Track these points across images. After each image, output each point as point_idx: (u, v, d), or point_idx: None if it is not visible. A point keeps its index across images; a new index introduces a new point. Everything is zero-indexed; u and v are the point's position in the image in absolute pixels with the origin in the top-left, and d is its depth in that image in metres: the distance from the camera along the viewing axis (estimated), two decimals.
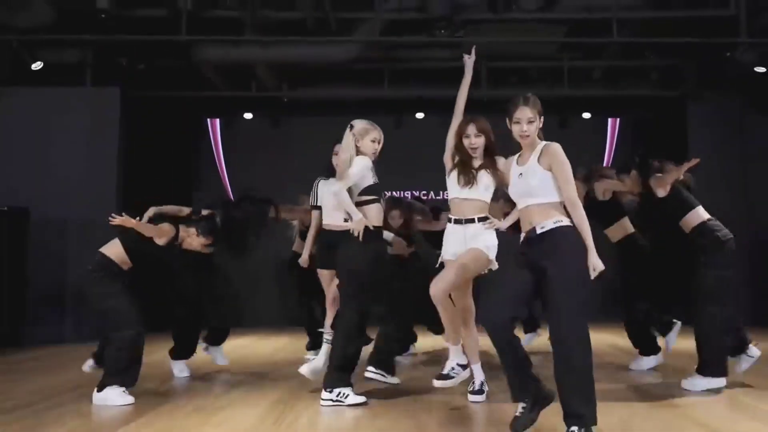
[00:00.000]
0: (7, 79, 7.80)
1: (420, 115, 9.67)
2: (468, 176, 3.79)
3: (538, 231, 3.16)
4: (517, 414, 3.11)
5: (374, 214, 4.00)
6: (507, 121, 3.32)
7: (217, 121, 10.33)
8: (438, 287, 3.69)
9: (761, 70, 7.76)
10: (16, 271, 7.07)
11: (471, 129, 3.80)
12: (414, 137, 9.41)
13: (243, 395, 4.27)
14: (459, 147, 3.87)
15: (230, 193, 9.93)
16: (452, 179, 3.87)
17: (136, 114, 8.34)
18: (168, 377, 5.01)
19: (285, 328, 8.08)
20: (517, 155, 3.42)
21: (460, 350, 3.95)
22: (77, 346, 6.93)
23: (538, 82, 9.35)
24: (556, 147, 3.23)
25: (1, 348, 6.61)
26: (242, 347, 6.75)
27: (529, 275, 3.15)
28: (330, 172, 4.55)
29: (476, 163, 3.83)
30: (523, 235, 3.27)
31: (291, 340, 7.24)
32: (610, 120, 10.63)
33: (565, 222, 3.13)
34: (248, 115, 9.85)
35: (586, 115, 10.10)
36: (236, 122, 10.16)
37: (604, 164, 10.49)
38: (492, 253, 3.75)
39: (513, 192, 3.37)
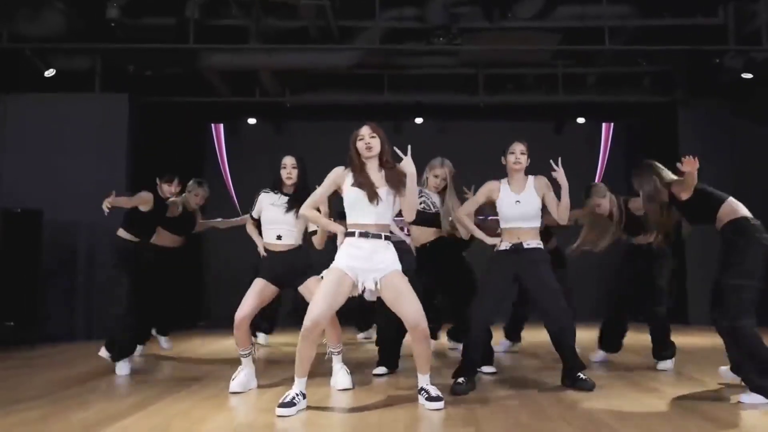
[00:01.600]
0: (21, 85, 8.06)
1: (419, 120, 9.89)
2: (373, 196, 3.62)
3: (525, 246, 4.18)
4: (459, 382, 4.04)
5: None
6: (502, 157, 4.27)
7: (221, 126, 10.56)
8: (425, 325, 3.56)
9: (748, 76, 8.00)
10: (30, 271, 7.28)
11: (365, 130, 3.73)
12: (413, 141, 9.61)
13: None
14: (355, 155, 3.73)
15: (233, 195, 10.18)
16: (352, 199, 3.67)
17: (143, 119, 8.55)
18: (182, 368, 5.27)
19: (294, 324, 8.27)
20: (505, 182, 4.29)
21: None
22: (88, 343, 7.16)
23: (534, 88, 9.56)
24: (545, 178, 4.25)
25: (15, 345, 6.83)
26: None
27: (507, 282, 4.20)
28: (276, 185, 4.40)
29: (374, 176, 3.70)
30: (508, 244, 4.20)
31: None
32: (604, 125, 10.84)
33: (541, 244, 4.26)
34: (252, 120, 10.07)
35: (581, 121, 10.32)
36: (240, 127, 10.39)
37: (599, 168, 10.74)
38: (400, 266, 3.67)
39: (508, 214, 4.23)
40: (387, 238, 3.68)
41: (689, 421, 3.20)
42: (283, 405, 3.47)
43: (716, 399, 3.75)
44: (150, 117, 8.70)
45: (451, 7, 7.57)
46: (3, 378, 4.86)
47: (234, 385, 4.18)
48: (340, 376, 4.31)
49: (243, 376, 4.26)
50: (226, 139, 10.56)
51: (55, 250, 7.63)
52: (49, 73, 7.70)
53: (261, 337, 6.84)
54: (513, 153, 4.24)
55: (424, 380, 3.66)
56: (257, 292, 4.28)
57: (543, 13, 7.73)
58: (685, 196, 3.93)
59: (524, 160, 4.24)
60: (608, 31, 7.60)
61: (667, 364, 4.93)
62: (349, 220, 3.70)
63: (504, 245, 4.24)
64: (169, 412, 3.56)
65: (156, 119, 8.87)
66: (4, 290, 7.05)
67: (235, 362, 5.39)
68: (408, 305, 3.56)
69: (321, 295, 3.56)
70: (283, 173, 4.35)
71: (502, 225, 4.30)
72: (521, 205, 4.21)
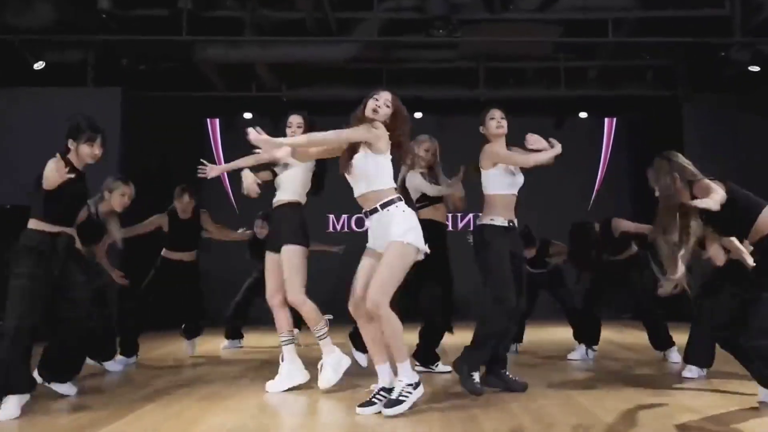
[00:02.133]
0: (10, 79, 7.88)
1: (418, 115, 9.73)
2: (345, 162, 3.44)
3: (515, 225, 3.95)
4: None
5: None
6: (481, 127, 4.00)
7: (217, 121, 10.40)
8: (375, 299, 3.27)
9: (755, 69, 7.84)
10: None
11: (384, 96, 3.51)
12: (411, 136, 9.47)
13: (248, 383, 4.35)
14: (360, 113, 3.51)
15: (230, 191, 10.01)
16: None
17: (137, 114, 8.40)
18: (175, 369, 5.10)
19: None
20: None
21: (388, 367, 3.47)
22: None
23: (535, 82, 9.41)
24: None
25: None
26: (247, 340, 6.84)
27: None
28: None
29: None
30: (504, 221, 3.90)
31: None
32: (606, 120, 10.71)
33: None
34: (248, 115, 9.91)
35: (583, 115, 10.18)
36: (236, 122, 10.22)
37: (601, 164, 10.59)
38: (411, 237, 3.34)
39: (509, 181, 3.94)
40: (384, 205, 3.39)
41: (698, 427, 3.06)
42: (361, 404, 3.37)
43: (729, 404, 3.58)
44: (144, 112, 8.54)
45: None
46: None
47: (273, 385, 3.99)
48: (325, 372, 4.00)
49: (285, 372, 4.04)
50: (222, 134, 10.39)
51: None
52: (39, 65, 7.52)
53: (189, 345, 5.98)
54: (494, 118, 3.97)
55: (384, 374, 3.43)
56: (271, 268, 4.14)
57: (545, 5, 7.57)
58: None
59: (505, 125, 3.98)
60: (611, 23, 7.44)
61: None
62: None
63: (500, 221, 3.92)
64: (162, 414, 3.42)
65: (150, 114, 8.72)
66: None
67: (228, 363, 5.27)
68: (373, 277, 3.33)
69: (358, 275, 3.48)
70: (288, 132, 4.18)
71: (499, 191, 3.95)
72: (517, 175, 4.01)
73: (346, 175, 3.50)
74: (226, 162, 10.07)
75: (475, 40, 7.94)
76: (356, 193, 3.50)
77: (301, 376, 4.08)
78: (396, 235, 3.33)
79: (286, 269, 4.00)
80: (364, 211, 3.50)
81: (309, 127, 4.14)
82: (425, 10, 7.42)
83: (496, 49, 8.48)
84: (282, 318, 4.12)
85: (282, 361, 4.09)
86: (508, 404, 3.55)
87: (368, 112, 3.47)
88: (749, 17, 7.46)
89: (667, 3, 7.64)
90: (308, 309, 4.02)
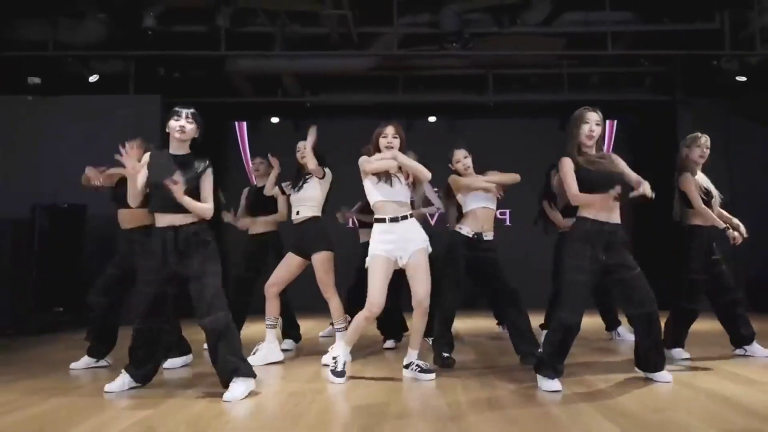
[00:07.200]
0: (62, 89, 8.60)
1: (432, 119, 10.32)
2: (389, 178, 3.99)
3: (485, 237, 4.50)
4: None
5: None
6: (450, 164, 4.68)
7: (244, 124, 11.06)
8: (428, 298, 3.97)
9: (742, 79, 8.45)
10: (75, 261, 7.82)
11: (390, 130, 4.03)
12: (425, 138, 10.10)
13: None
14: (374, 149, 4.06)
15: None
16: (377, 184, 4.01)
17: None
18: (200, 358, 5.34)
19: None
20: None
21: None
22: (127, 327, 7.50)
23: (540, 87, 10.02)
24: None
25: (62, 332, 7.34)
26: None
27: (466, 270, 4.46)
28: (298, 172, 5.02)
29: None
30: (471, 231, 4.47)
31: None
32: (607, 122, 11.23)
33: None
34: (274, 119, 10.54)
35: None
36: (262, 126, 10.86)
37: None
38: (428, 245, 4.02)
39: (479, 197, 4.57)
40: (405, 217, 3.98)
41: (724, 414, 3.07)
42: (336, 374, 3.98)
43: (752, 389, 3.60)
44: None
45: (464, 14, 8.02)
46: (54, 361, 5.14)
47: (253, 359, 4.48)
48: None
49: (263, 350, 4.75)
50: (249, 136, 11.03)
51: (96, 242, 8.16)
52: (93, 78, 8.22)
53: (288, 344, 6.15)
54: (459, 161, 4.66)
55: (414, 355, 4.10)
56: (284, 263, 4.88)
57: (549, 19, 8.18)
58: None
59: (469, 162, 4.66)
60: (611, 36, 8.02)
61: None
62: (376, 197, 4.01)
63: (470, 232, 4.51)
64: (200, 403, 3.45)
65: None
66: (53, 279, 7.64)
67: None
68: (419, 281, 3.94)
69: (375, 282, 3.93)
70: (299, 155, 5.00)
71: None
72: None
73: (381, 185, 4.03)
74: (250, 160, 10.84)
75: (485, 53, 8.53)
76: (397, 198, 3.97)
77: (278, 356, 4.81)
78: (422, 243, 4.01)
79: (321, 272, 4.76)
80: (393, 217, 3.95)
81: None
82: (440, 25, 8.05)
83: (504, 59, 9.06)
84: (273, 306, 4.86)
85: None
86: (531, 392, 3.63)
87: (384, 151, 4.03)
88: (737, 31, 8.05)
89: (662, 16, 8.24)
90: (336, 305, 4.84)
